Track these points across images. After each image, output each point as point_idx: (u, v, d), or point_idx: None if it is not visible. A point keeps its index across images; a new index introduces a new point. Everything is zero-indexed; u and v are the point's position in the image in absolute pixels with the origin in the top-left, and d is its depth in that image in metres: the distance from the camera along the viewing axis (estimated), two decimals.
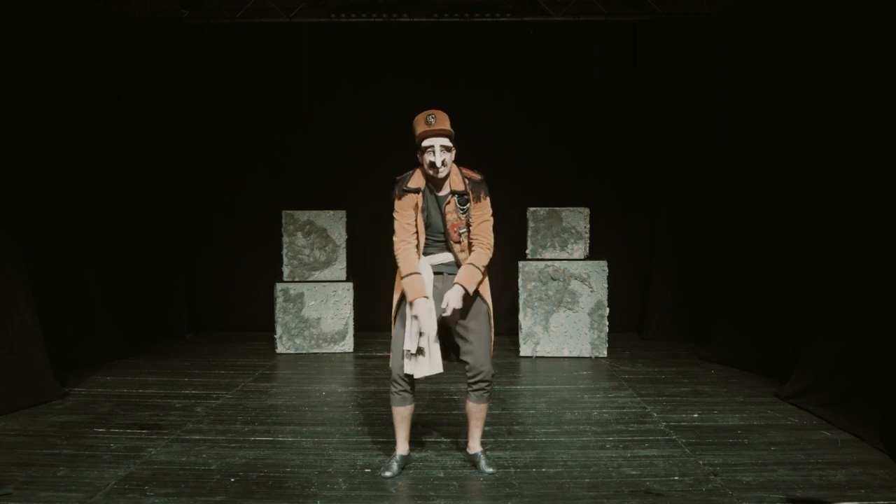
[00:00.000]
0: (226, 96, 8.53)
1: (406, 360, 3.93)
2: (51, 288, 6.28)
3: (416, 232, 4.00)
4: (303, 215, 7.63)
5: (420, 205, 3.97)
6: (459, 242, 4.00)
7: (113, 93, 7.94)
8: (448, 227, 3.97)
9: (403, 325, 3.96)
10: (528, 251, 7.36)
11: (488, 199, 4.02)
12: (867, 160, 4.99)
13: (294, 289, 7.55)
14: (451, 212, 3.97)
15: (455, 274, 3.99)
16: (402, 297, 3.99)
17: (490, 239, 4.01)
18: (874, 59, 4.96)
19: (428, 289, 3.93)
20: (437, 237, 4.02)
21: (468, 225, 3.99)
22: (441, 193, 4.01)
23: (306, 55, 8.43)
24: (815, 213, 5.71)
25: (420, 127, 3.92)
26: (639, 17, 8.21)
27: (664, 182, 8.29)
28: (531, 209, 7.40)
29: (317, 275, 7.61)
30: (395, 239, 4.03)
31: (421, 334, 3.87)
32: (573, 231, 7.32)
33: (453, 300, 3.87)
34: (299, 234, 7.61)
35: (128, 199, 8.21)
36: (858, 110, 5.15)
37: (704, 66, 7.99)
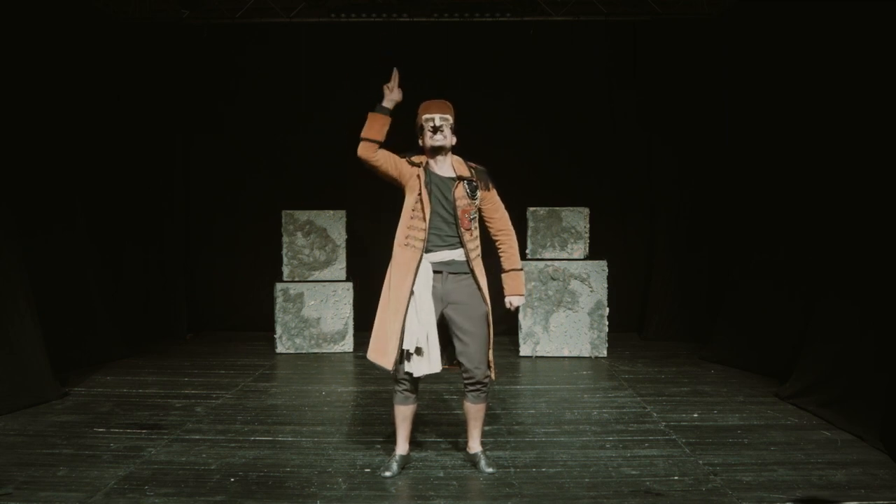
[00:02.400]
0: (226, 96, 8.53)
1: (405, 359, 3.93)
2: (51, 288, 6.28)
3: (385, 161, 3.95)
4: (303, 215, 7.63)
5: (423, 179, 3.97)
6: (470, 230, 4.00)
7: (113, 93, 7.94)
8: (459, 212, 3.97)
9: (396, 319, 3.92)
10: (527, 251, 7.36)
11: (494, 189, 4.12)
12: (867, 160, 4.99)
13: (294, 289, 7.55)
14: (462, 197, 3.98)
15: (456, 273, 3.99)
16: (410, 289, 3.96)
17: (511, 226, 4.22)
18: (874, 58, 4.96)
19: (427, 284, 3.92)
20: (444, 225, 3.97)
21: (480, 212, 4.08)
22: (446, 175, 4.00)
23: (306, 55, 8.42)
24: (815, 213, 5.71)
25: (420, 109, 4.03)
26: (639, 17, 8.21)
27: (664, 182, 8.30)
28: (531, 209, 7.40)
29: (317, 275, 7.61)
30: None
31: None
32: (573, 231, 7.32)
33: (516, 302, 4.21)
34: (299, 234, 7.61)
35: (128, 199, 8.21)
36: (858, 110, 5.15)
37: (704, 66, 7.98)
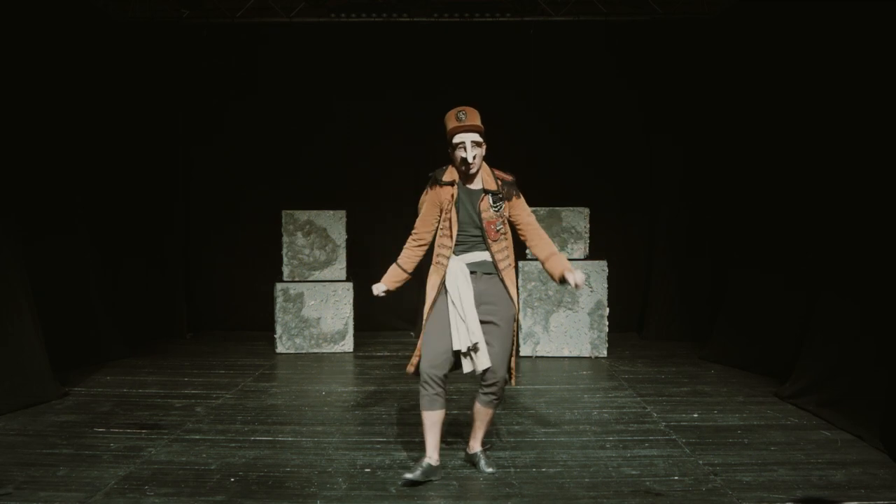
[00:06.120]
0: (226, 96, 8.53)
1: (462, 359, 3.87)
2: (51, 287, 6.28)
3: (435, 230, 4.01)
4: (303, 215, 7.63)
5: (455, 196, 3.95)
6: (497, 241, 3.98)
7: (113, 93, 7.94)
8: (484, 224, 3.95)
9: (437, 326, 3.89)
10: (527, 251, 7.34)
11: (522, 197, 4.08)
12: (867, 160, 4.99)
13: (294, 288, 7.55)
14: (486, 209, 3.95)
15: (490, 273, 3.97)
16: (436, 296, 3.96)
17: (543, 232, 4.20)
18: (874, 58, 4.96)
19: (465, 285, 3.88)
20: (472, 234, 3.97)
21: (506, 222, 4.04)
22: (473, 188, 3.99)
23: (306, 55, 8.43)
24: (816, 213, 5.71)
25: (451, 123, 3.91)
26: (639, 17, 8.21)
27: (664, 182, 8.30)
28: (531, 209, 7.37)
29: (317, 274, 7.61)
30: (411, 234, 4.09)
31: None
32: (573, 231, 7.32)
33: (580, 279, 3.99)
34: (299, 234, 7.61)
35: (128, 199, 8.21)
36: (858, 110, 5.15)
37: (704, 66, 7.99)
